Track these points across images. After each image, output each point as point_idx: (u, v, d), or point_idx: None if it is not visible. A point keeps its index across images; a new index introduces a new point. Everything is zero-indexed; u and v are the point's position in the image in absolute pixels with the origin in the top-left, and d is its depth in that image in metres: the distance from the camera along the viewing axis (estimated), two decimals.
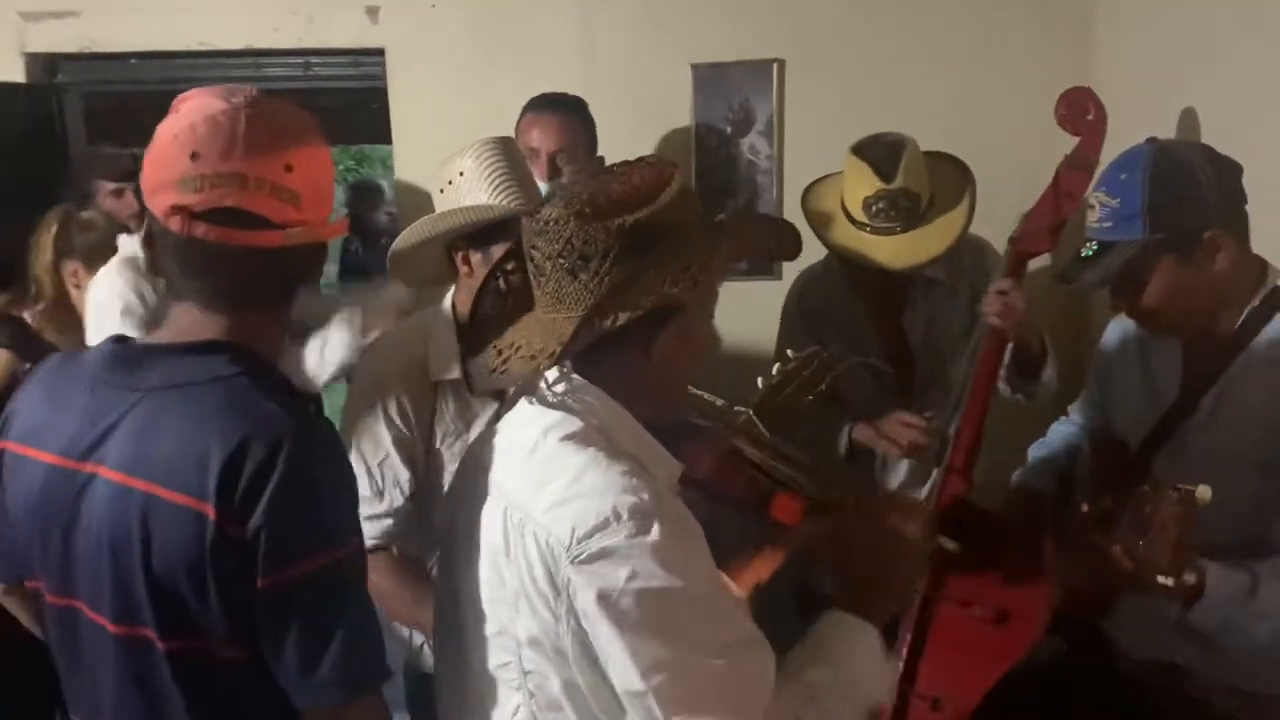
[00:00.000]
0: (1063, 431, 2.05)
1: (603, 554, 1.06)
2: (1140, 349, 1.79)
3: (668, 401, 1.27)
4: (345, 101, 4.30)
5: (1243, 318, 1.59)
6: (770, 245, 1.29)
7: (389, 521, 1.80)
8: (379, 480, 1.79)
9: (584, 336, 1.11)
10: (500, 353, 1.21)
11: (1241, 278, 1.59)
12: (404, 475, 1.80)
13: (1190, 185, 1.54)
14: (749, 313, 2.91)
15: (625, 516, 1.07)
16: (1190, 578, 1.39)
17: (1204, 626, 1.46)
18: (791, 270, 2.80)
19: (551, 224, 1.13)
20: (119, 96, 3.32)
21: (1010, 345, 1.96)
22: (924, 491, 2.10)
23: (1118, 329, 1.89)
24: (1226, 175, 1.57)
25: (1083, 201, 1.76)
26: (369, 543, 1.81)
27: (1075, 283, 1.66)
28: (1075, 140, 1.92)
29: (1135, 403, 1.78)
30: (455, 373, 1.83)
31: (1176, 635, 1.55)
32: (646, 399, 1.21)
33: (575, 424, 1.16)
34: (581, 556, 1.07)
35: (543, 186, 2.16)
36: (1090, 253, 1.62)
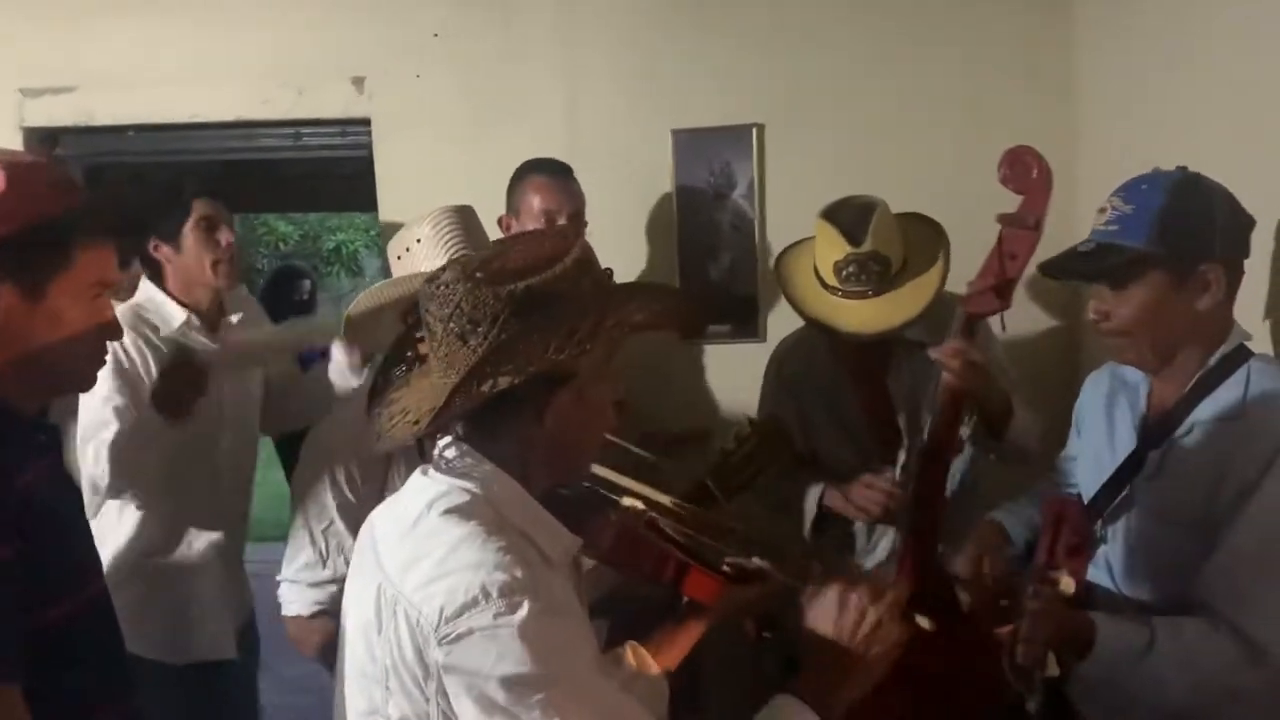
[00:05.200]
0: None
1: (469, 634, 1.04)
2: (1108, 403, 1.75)
3: (567, 470, 1.25)
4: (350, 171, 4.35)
5: (1201, 372, 1.56)
6: (669, 320, 1.26)
7: (333, 588, 1.77)
8: (323, 547, 1.76)
9: (461, 400, 1.09)
10: (391, 417, 1.19)
11: (1214, 325, 1.56)
12: (348, 542, 1.77)
13: (1205, 214, 1.52)
14: (732, 375, 2.88)
15: (494, 595, 1.04)
16: (1054, 671, 1.35)
17: (1090, 676, 1.43)
18: (776, 330, 2.77)
19: (444, 288, 1.12)
20: (116, 168, 3.37)
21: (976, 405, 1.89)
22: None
23: (1093, 383, 1.85)
24: (1241, 222, 1.55)
25: (1027, 261, 1.72)
26: (313, 608, 1.79)
27: (1062, 275, 1.64)
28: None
29: (1098, 457, 1.74)
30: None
31: (1144, 709, 1.49)
32: (543, 468, 1.19)
33: (461, 496, 1.13)
34: (449, 637, 1.04)
35: None
36: (1087, 249, 1.58)
